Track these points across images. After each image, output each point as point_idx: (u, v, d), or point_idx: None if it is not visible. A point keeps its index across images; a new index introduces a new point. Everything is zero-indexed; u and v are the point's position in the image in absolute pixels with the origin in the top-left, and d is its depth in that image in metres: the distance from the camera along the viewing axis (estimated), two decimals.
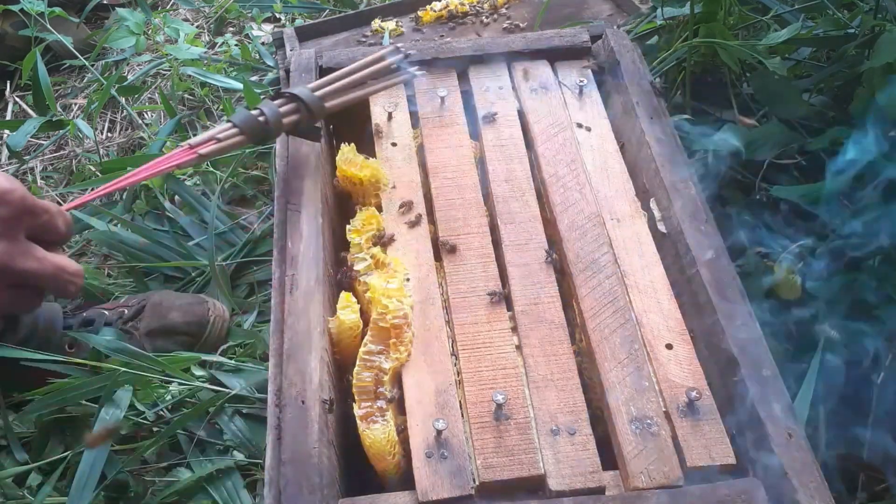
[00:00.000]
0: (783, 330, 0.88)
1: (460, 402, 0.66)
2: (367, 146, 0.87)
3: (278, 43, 1.36)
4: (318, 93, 0.82)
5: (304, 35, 1.37)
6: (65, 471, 0.87)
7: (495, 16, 1.41)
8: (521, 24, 1.39)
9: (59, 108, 1.40)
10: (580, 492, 0.60)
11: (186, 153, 0.75)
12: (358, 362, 0.68)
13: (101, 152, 1.32)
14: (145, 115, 1.43)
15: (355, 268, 0.76)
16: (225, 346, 0.99)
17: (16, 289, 0.62)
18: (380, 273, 0.74)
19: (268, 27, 1.60)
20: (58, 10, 1.36)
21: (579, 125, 0.89)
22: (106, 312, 0.99)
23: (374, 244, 0.77)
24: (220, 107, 1.38)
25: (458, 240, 0.77)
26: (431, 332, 0.70)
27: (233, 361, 0.96)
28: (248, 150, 1.21)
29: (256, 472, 0.87)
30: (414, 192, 0.82)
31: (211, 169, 1.23)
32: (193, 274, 1.10)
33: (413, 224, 0.79)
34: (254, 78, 1.41)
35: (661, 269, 0.76)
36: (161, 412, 0.91)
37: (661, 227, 0.80)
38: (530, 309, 0.72)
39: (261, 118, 0.78)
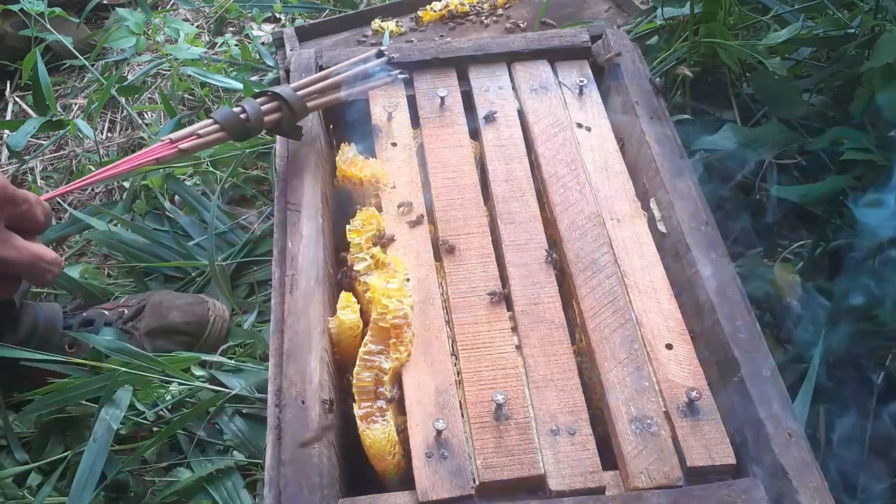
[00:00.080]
0: (783, 330, 0.89)
1: (460, 402, 0.66)
2: (367, 146, 0.87)
3: (278, 43, 1.35)
4: (300, 92, 0.82)
5: (304, 35, 1.37)
6: (65, 471, 0.87)
7: (495, 16, 1.41)
8: (521, 24, 1.39)
9: (59, 108, 1.40)
10: (580, 492, 0.60)
11: (167, 147, 0.75)
12: (358, 362, 0.68)
13: (101, 152, 1.32)
14: (145, 115, 1.43)
15: (355, 268, 0.76)
16: (225, 346, 0.99)
17: None
18: (380, 273, 0.74)
19: (268, 27, 1.59)
20: (58, 10, 1.36)
21: (579, 125, 0.89)
22: (106, 312, 0.99)
23: (374, 244, 0.77)
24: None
25: (458, 240, 0.77)
26: (431, 332, 0.70)
27: (233, 361, 0.96)
28: (247, 150, 1.21)
29: (256, 472, 0.88)
30: (414, 192, 0.82)
31: (211, 169, 1.23)
32: (193, 274, 1.10)
33: (413, 224, 0.79)
34: (254, 78, 1.41)
35: (661, 269, 0.76)
36: (161, 412, 0.91)
37: (661, 227, 0.80)
38: (530, 309, 0.72)
39: (242, 115, 0.78)
